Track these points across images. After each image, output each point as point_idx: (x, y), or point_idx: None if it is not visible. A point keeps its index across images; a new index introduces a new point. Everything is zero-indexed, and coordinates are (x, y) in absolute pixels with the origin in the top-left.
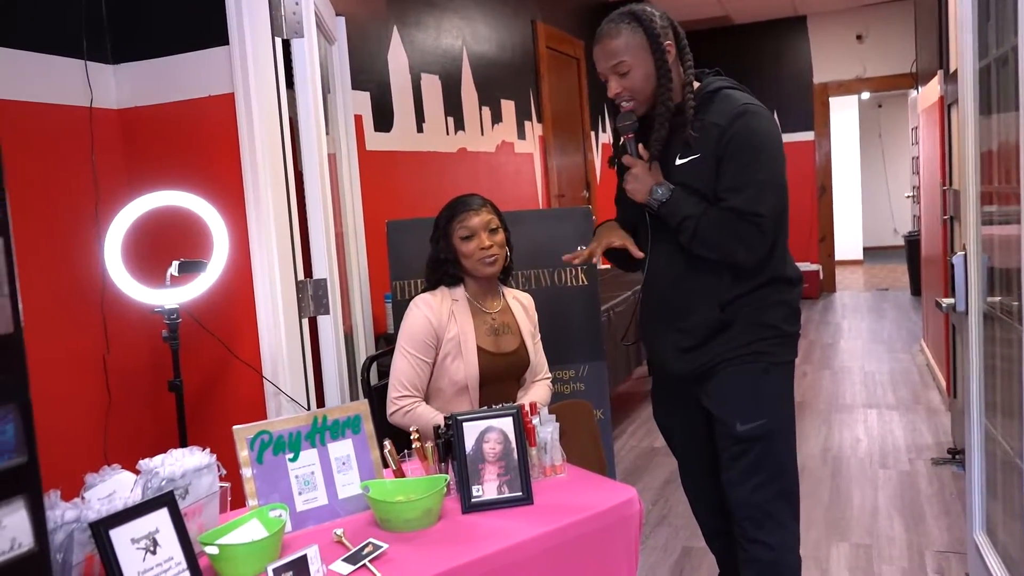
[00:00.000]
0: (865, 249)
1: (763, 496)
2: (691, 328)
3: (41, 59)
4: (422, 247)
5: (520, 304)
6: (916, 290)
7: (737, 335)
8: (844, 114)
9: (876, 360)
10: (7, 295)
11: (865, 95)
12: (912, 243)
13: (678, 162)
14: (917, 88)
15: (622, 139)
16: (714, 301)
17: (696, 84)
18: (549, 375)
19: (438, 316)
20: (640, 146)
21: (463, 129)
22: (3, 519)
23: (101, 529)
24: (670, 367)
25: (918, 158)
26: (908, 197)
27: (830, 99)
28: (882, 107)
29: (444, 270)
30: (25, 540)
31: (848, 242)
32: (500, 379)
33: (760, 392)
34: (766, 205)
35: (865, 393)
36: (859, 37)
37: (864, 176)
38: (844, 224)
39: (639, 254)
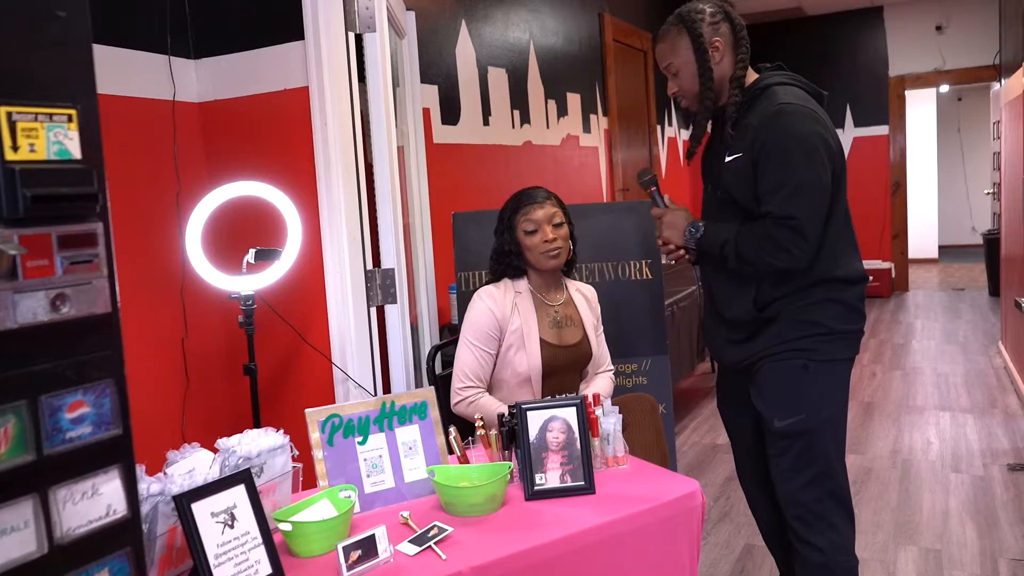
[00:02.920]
0: (941, 247)
1: (812, 496)
2: (738, 322)
3: (128, 55)
4: (487, 239)
5: (583, 296)
6: (994, 290)
7: (780, 331)
8: (921, 108)
9: (950, 361)
10: (106, 277)
11: (944, 88)
12: (991, 241)
13: (727, 159)
14: (1000, 80)
15: (652, 189)
16: (757, 295)
17: (754, 77)
18: (612, 368)
19: (501, 308)
20: (667, 196)
21: (529, 122)
22: (100, 487)
23: (184, 502)
24: (722, 356)
25: (999, 153)
26: (988, 194)
27: (906, 92)
28: (962, 100)
29: (508, 262)
30: (120, 507)
31: (923, 240)
32: (562, 371)
33: (798, 388)
34: (799, 207)
35: (937, 395)
36: (939, 28)
37: (941, 172)
38: (919, 221)
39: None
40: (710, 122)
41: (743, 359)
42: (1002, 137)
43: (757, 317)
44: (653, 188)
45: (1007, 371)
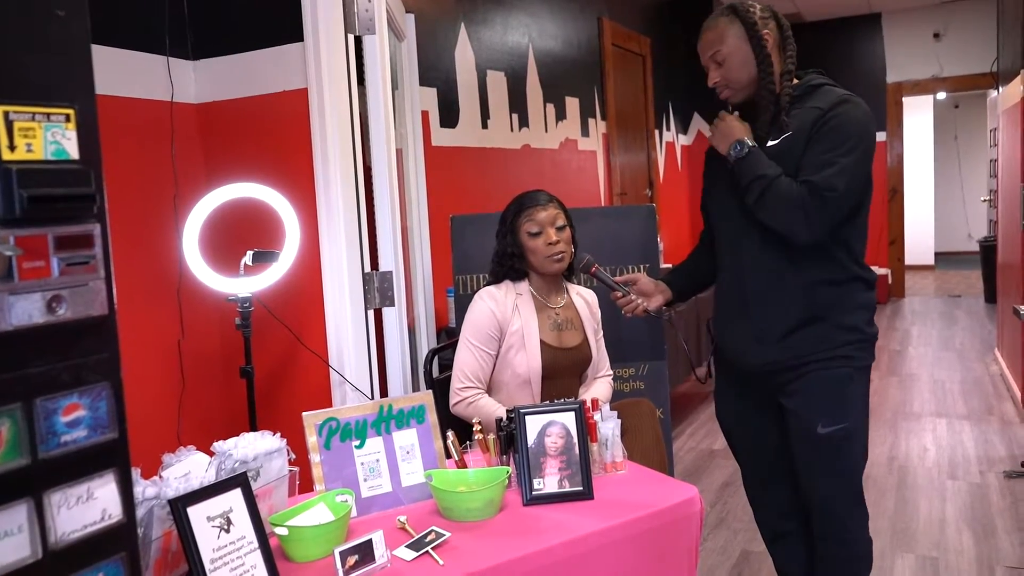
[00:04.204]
0: (937, 254)
1: (845, 496)
2: (771, 320)
3: (127, 55)
4: (485, 242)
5: (584, 300)
6: (991, 297)
7: (826, 336)
8: (918, 115)
9: (946, 368)
10: (103, 279)
11: (941, 95)
12: (988, 248)
13: (769, 143)
14: (998, 88)
15: (593, 269)
16: (801, 294)
17: (796, 81)
18: (611, 372)
19: (502, 309)
20: (610, 275)
21: (527, 126)
22: (96, 491)
23: (179, 506)
24: (745, 359)
25: (996, 160)
26: (984, 201)
27: (904, 99)
28: (959, 107)
29: (510, 264)
30: (115, 511)
31: (919, 246)
32: (562, 374)
33: (845, 396)
34: (840, 186)
35: (934, 402)
36: (936, 35)
37: (938, 179)
38: (915, 228)
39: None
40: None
41: (777, 360)
42: (999, 144)
43: (800, 313)
44: (595, 268)
45: (1003, 378)
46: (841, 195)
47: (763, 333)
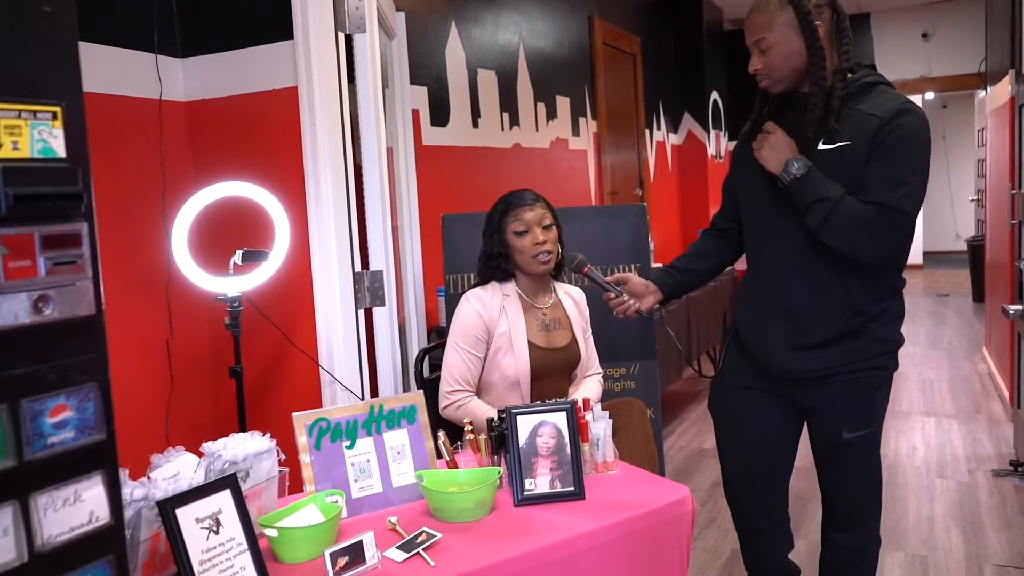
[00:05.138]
0: (925, 254)
1: (869, 496)
2: (813, 327)
3: (114, 52)
4: (475, 241)
5: (571, 299)
6: (978, 296)
7: (862, 347)
8: None
9: (935, 367)
10: (90, 278)
11: (929, 95)
12: (975, 248)
13: (821, 147)
14: (986, 88)
15: (585, 269)
16: (845, 305)
17: (849, 75)
18: (600, 371)
19: (489, 311)
20: (601, 275)
21: (518, 125)
22: (83, 493)
23: (168, 508)
24: (781, 364)
25: (984, 161)
26: (972, 201)
27: None
28: (947, 107)
29: (496, 265)
30: (102, 514)
31: None
32: (551, 374)
33: (870, 402)
34: (911, 207)
35: (923, 400)
36: (924, 35)
37: None
38: None
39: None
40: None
41: (813, 369)
42: (987, 144)
43: (846, 325)
44: (587, 268)
45: (991, 377)
46: (910, 216)
47: (802, 342)
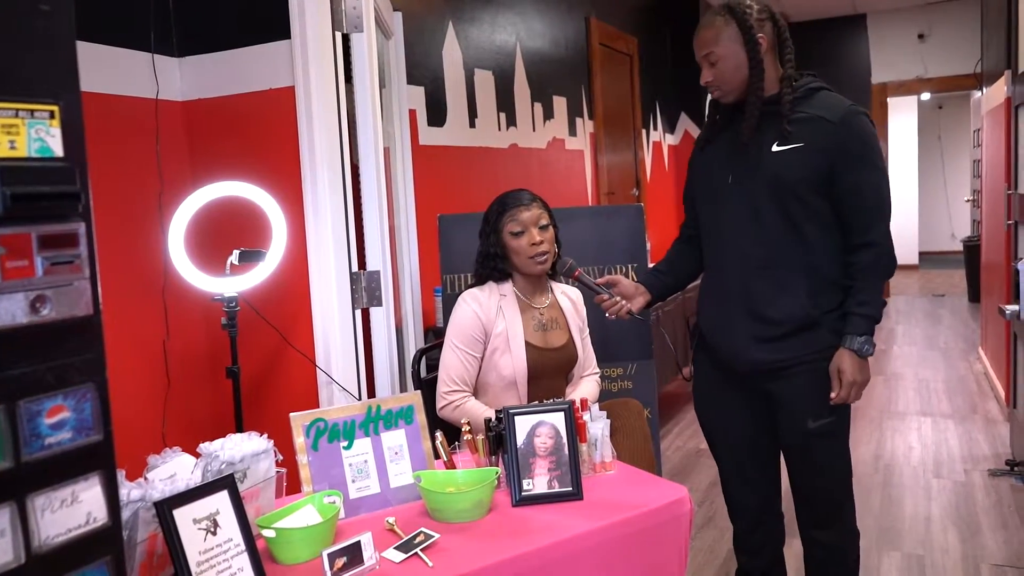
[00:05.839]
0: (921, 254)
1: (838, 489)
2: (776, 320)
3: (111, 52)
4: (473, 241)
5: (568, 299)
6: (974, 297)
7: (819, 338)
8: (903, 115)
9: (931, 367)
10: (88, 278)
11: (925, 96)
12: (971, 248)
13: (775, 149)
14: (982, 89)
15: (576, 274)
16: (804, 298)
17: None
18: (598, 371)
19: (486, 311)
20: (592, 279)
21: (515, 125)
22: (80, 494)
23: (165, 508)
24: (744, 357)
25: (980, 161)
26: (968, 201)
27: (888, 100)
28: (942, 108)
29: (493, 265)
30: (100, 515)
31: (903, 246)
32: (548, 374)
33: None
34: (887, 205)
35: (919, 400)
36: (921, 36)
37: (921, 179)
38: (899, 228)
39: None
40: (706, 120)
41: (773, 360)
42: (983, 145)
43: (805, 316)
44: (578, 272)
45: (987, 377)
46: (888, 216)
47: (764, 335)
